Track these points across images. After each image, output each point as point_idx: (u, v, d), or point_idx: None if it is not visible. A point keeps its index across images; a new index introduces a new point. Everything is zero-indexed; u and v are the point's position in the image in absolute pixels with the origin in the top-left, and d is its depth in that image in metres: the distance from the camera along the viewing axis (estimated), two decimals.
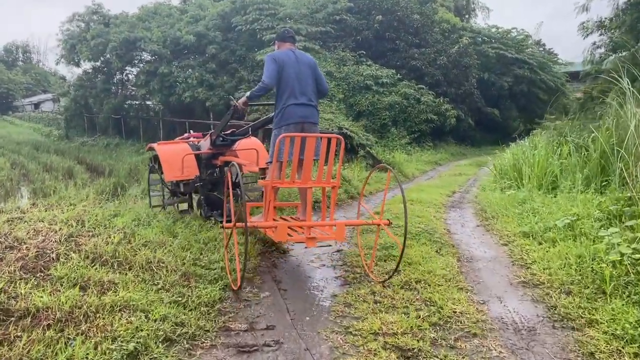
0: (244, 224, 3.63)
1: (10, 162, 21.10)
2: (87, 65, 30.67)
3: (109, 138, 30.19)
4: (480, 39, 31.30)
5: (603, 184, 7.21)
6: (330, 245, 5.24)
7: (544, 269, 4.32)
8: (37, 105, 58.33)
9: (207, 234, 4.78)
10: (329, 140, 4.12)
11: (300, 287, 4.00)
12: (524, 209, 6.33)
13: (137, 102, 31.19)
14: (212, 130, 5.73)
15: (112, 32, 26.33)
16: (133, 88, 30.12)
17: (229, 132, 5.71)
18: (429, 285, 3.91)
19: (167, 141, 6.61)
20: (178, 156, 5.71)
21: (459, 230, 6.40)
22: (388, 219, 4.44)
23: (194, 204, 6.24)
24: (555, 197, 7.28)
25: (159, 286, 3.50)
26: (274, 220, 4.38)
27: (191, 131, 6.98)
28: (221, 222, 4.89)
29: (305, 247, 5.11)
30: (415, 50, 24.97)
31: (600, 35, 20.66)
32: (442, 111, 22.92)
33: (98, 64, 29.97)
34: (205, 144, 5.89)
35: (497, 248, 5.29)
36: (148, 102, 30.78)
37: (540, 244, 5.01)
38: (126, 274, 3.55)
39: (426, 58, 24.98)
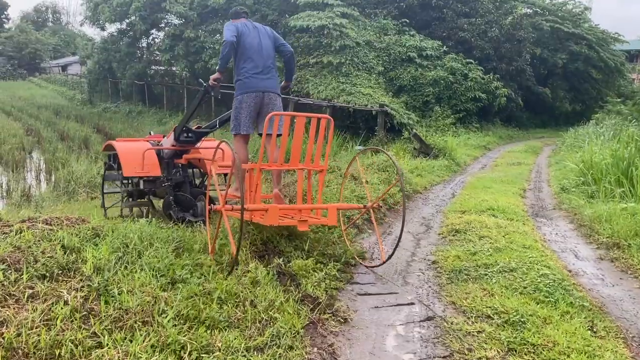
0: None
1: (25, 128, 19.77)
2: (111, 28, 29.12)
3: (131, 105, 28.69)
4: (532, 11, 28.52)
5: None
6: (412, 304, 3.44)
7: None
8: (64, 68, 57.15)
9: (226, 283, 3.04)
10: (319, 120, 4.21)
11: None
12: None
13: (162, 68, 29.59)
14: (176, 125, 5.45)
15: None
16: (158, 53, 28.41)
17: (195, 127, 5.51)
18: None
19: (127, 138, 6.45)
20: (138, 151, 5.43)
21: (577, 266, 4.55)
22: (379, 203, 4.50)
23: (154, 207, 6.08)
24: None
25: None
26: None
27: (151, 132, 6.90)
28: (192, 223, 4.83)
29: (374, 308, 3.33)
30: (464, 20, 22.56)
31: None
32: (492, 89, 20.67)
33: (123, 26, 28.36)
34: (167, 141, 5.61)
35: None
36: (173, 69, 29.13)
37: None
38: None
39: (476, 29, 22.55)
